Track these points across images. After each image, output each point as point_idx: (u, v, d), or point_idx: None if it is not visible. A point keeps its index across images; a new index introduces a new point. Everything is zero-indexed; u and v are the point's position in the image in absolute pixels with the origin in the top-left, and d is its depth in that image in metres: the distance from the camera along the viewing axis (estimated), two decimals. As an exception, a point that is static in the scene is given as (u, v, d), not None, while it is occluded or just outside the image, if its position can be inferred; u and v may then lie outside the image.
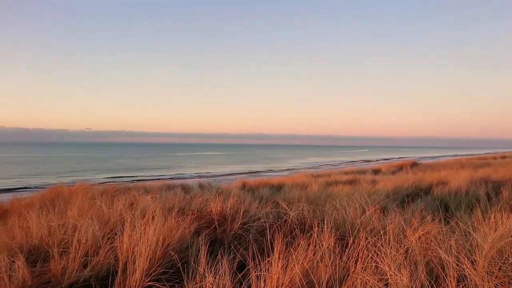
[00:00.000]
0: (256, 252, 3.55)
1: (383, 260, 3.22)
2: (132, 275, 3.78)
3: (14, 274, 3.87)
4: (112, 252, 4.29)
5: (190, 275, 3.51)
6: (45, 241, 5.00)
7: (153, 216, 4.93)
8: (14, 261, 4.07)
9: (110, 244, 4.47)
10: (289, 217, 5.06)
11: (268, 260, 3.31)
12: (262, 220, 5.22)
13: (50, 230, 5.31)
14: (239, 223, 5.19)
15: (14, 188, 35.10)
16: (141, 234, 4.31)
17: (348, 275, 3.33)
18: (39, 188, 29.94)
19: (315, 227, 4.06)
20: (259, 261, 3.33)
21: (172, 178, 39.42)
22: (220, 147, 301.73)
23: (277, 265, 3.21)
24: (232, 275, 3.33)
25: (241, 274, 3.34)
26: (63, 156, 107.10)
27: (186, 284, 3.40)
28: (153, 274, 3.76)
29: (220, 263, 3.40)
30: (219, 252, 3.85)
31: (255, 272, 3.19)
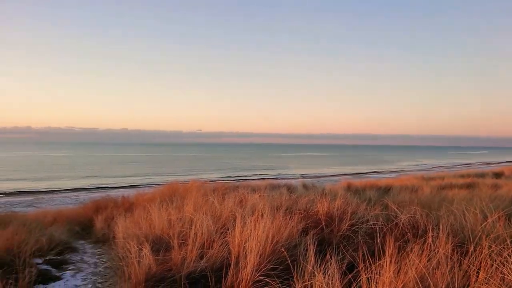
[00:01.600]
0: (367, 254, 3.48)
1: (511, 272, 2.94)
2: (244, 269, 3.97)
3: (141, 260, 4.33)
4: (225, 246, 4.54)
5: (299, 273, 3.57)
6: (166, 232, 5.49)
7: (262, 214, 5.10)
8: (141, 249, 4.55)
9: (223, 238, 4.73)
10: (400, 221, 4.85)
11: (379, 263, 3.23)
12: (371, 223, 5.08)
13: (170, 222, 5.81)
14: (346, 224, 5.12)
15: (137, 185, 39.03)
16: (251, 230, 4.50)
17: (468, 285, 3.10)
18: (157, 184, 32.82)
19: (429, 232, 3.84)
20: (369, 264, 3.26)
21: (276, 178, 40.23)
22: (324, 148, 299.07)
23: (389, 269, 3.11)
24: (341, 275, 3.32)
25: (351, 275, 3.31)
26: (177, 156, 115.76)
27: (295, 281, 3.47)
28: (263, 269, 3.90)
29: (328, 262, 3.41)
30: (328, 252, 3.85)
31: (365, 274, 3.14)
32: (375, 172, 57.38)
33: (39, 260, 5.52)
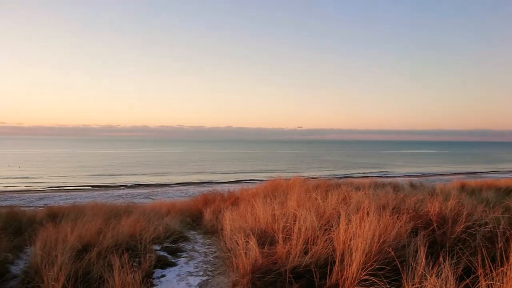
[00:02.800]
0: (487, 259, 3.20)
1: None
2: (349, 267, 3.92)
3: (248, 252, 4.51)
4: (329, 243, 4.52)
5: (409, 274, 3.41)
6: (270, 226, 5.63)
7: (367, 212, 4.97)
8: (248, 241, 4.74)
9: (327, 235, 4.71)
10: (526, 225, 4.36)
11: (502, 270, 2.95)
12: (491, 226, 4.64)
13: (273, 217, 5.94)
14: (461, 227, 4.75)
15: (241, 180, 40.59)
16: (356, 228, 4.41)
17: None
18: (259, 180, 33.72)
19: None
20: (490, 270, 2.99)
21: (380, 176, 38.67)
22: (432, 145, 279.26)
23: (514, 277, 2.82)
24: (457, 280, 3.10)
25: (468, 280, 3.07)
26: (278, 153, 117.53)
27: (404, 283, 3.33)
28: (369, 268, 3.81)
29: (442, 265, 3.21)
30: (440, 255, 3.62)
31: (485, 280, 2.89)
32: (493, 171, 52.08)
33: (157, 247, 6.06)
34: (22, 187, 36.72)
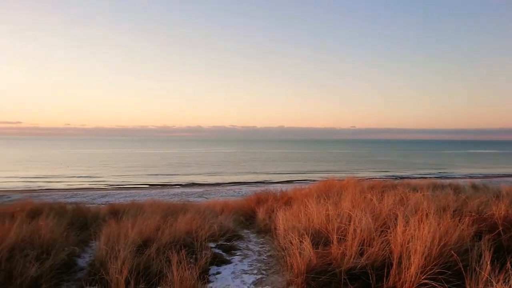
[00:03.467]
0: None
1: None
2: (407, 270, 3.80)
3: (302, 252, 4.50)
4: (386, 245, 4.41)
5: (473, 280, 3.25)
6: (324, 227, 5.58)
7: (426, 214, 4.79)
8: (302, 241, 4.73)
9: (384, 237, 4.60)
10: None
11: None
12: None
13: (327, 217, 5.88)
14: (531, 231, 4.45)
15: (293, 180, 40.51)
16: (414, 230, 4.27)
17: None
18: (311, 180, 33.46)
19: None
20: None
21: (438, 177, 37.05)
22: (494, 144, 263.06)
23: None
24: (526, 288, 2.92)
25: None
26: (330, 153, 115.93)
27: (467, 289, 3.18)
28: (428, 272, 3.68)
29: (510, 272, 3.03)
30: (508, 261, 3.42)
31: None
32: None
33: (212, 244, 6.20)
34: (86, 185, 38.94)
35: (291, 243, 4.87)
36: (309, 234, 5.17)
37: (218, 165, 64.87)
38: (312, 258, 4.42)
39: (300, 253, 4.47)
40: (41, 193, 30.64)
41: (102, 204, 22.10)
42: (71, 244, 5.89)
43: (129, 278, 3.99)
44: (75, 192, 31.68)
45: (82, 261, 5.56)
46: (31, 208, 8.16)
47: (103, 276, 4.28)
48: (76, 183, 40.16)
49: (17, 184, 38.72)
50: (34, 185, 38.41)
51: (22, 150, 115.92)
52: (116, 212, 8.83)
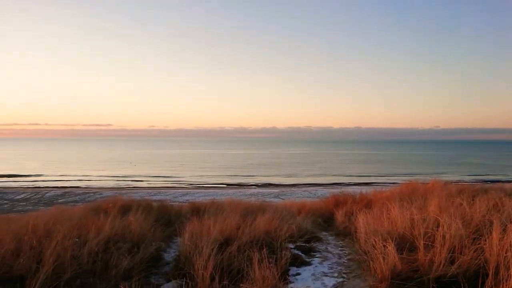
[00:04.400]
0: None
1: None
2: (505, 281, 3.50)
3: (386, 257, 4.32)
4: (480, 253, 4.09)
5: None
6: (408, 231, 5.32)
7: (526, 221, 4.37)
8: (385, 246, 4.54)
9: (477, 244, 4.27)
10: None
11: None
12: None
13: (412, 222, 5.60)
14: None
15: (371, 183, 39.31)
16: (513, 239, 3.92)
17: None
18: (391, 183, 32.16)
19: None
20: None
21: (536, 182, 33.65)
22: None
23: None
24: None
25: None
26: (412, 155, 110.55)
27: None
28: (532, 286, 3.34)
29: None
30: None
31: None
32: None
33: (291, 245, 6.19)
34: (168, 184, 41.07)
35: (373, 247, 4.70)
36: (393, 239, 4.96)
37: (293, 166, 64.93)
38: (396, 263, 4.23)
39: (383, 257, 4.30)
40: (129, 190, 32.89)
41: (183, 202, 23.16)
42: (157, 239, 6.23)
43: (214, 274, 4.12)
44: (158, 190, 33.58)
45: (168, 256, 5.85)
46: (121, 204, 8.75)
47: (189, 270, 4.46)
48: (159, 182, 42.49)
49: (108, 183, 41.98)
50: (122, 183, 41.39)
51: (111, 151, 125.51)
52: (197, 210, 9.17)
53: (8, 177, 46.59)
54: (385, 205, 7.19)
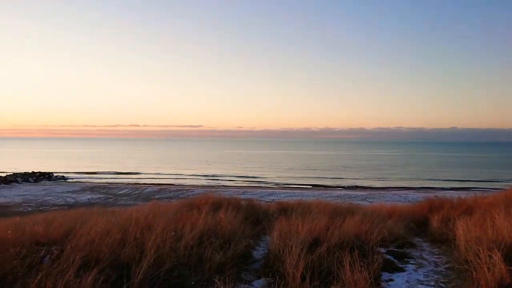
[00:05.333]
0: None
1: None
2: None
3: (491, 267, 3.97)
4: None
5: None
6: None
7: None
8: (490, 255, 4.17)
9: None
10: None
11: None
12: None
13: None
14: None
15: (470, 188, 36.37)
16: None
17: None
18: (492, 189, 29.41)
19: None
20: None
21: None
22: None
23: None
24: None
25: None
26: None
27: None
28: None
29: None
30: None
31: None
32: None
33: (383, 250, 5.96)
34: (254, 184, 41.96)
35: (477, 256, 4.34)
36: (499, 248, 4.54)
37: (382, 169, 62.58)
38: (504, 275, 3.86)
39: (488, 268, 3.95)
40: (218, 189, 34.20)
41: (269, 201, 23.48)
42: (247, 236, 6.38)
43: (304, 274, 4.10)
44: (245, 190, 34.46)
45: (257, 253, 5.96)
46: (212, 201, 9.13)
47: (278, 269, 4.50)
48: (246, 182, 43.59)
49: (199, 181, 44.10)
50: (212, 182, 43.17)
51: (202, 150, 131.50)
52: (284, 210, 9.24)
53: (114, 174, 51.15)
54: (488, 212, 6.62)
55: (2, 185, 36.55)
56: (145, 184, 40.26)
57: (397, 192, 34.42)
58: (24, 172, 45.18)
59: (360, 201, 25.96)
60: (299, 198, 25.21)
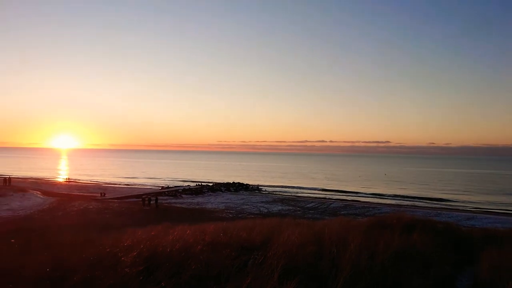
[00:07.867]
0: None
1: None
2: None
3: None
4: None
5: None
6: None
7: None
8: None
9: None
10: None
11: None
12: None
13: None
14: None
15: None
16: None
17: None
18: None
19: None
20: None
21: None
22: None
23: None
24: None
25: None
26: None
27: None
28: None
29: None
30: None
31: None
32: None
33: None
34: (447, 205, 38.02)
35: None
36: None
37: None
38: None
39: None
40: (406, 208, 32.22)
41: (468, 226, 20.87)
42: (446, 263, 5.82)
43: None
44: (438, 212, 31.48)
45: (460, 284, 5.37)
46: (405, 221, 8.65)
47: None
48: (436, 203, 40.02)
49: (384, 200, 42.42)
50: (400, 202, 40.94)
51: (388, 167, 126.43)
52: (492, 238, 8.12)
53: (298, 189, 53.53)
54: None
55: (210, 193, 42.39)
56: (330, 199, 40.81)
57: None
58: (226, 182, 51.77)
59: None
60: (504, 225, 21.70)
